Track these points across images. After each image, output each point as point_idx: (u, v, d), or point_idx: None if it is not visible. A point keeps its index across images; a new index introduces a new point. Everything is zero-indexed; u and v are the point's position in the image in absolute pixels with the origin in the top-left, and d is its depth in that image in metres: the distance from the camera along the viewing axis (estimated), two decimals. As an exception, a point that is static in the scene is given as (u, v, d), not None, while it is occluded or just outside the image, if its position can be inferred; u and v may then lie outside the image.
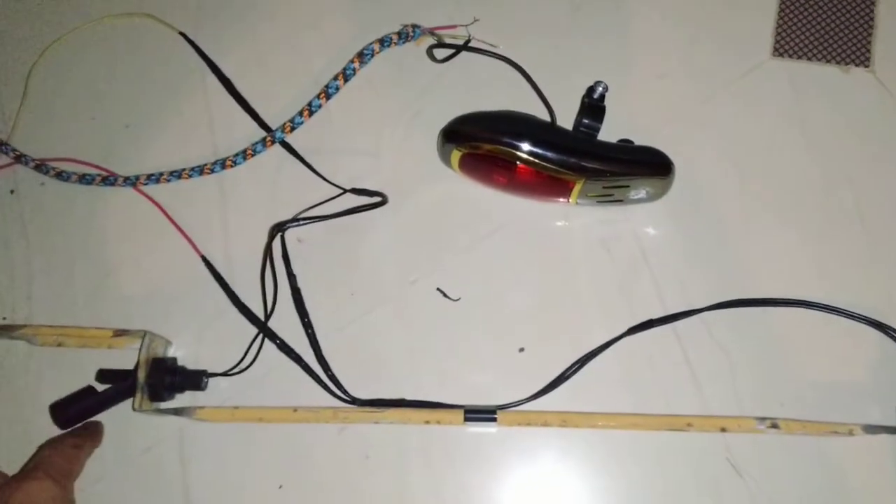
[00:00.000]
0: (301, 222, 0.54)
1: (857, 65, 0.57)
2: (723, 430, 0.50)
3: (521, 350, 0.54)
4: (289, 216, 0.56)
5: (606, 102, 0.53)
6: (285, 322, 0.55)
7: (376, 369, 0.54)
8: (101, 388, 0.52)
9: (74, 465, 0.48)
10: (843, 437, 0.49)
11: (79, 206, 0.59)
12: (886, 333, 0.50)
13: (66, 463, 0.48)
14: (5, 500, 0.44)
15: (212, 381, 0.54)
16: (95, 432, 0.51)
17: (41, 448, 0.49)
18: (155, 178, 0.58)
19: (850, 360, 0.52)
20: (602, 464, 0.52)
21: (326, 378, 0.53)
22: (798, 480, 0.50)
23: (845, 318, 0.52)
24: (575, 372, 0.52)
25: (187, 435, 0.54)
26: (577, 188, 0.52)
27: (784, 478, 0.50)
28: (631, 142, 0.54)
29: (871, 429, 0.48)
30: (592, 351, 0.53)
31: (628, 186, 0.53)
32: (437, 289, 0.55)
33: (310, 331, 0.54)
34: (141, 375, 0.51)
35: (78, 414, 0.51)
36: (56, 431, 0.51)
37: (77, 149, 0.59)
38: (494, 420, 0.50)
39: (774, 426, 0.48)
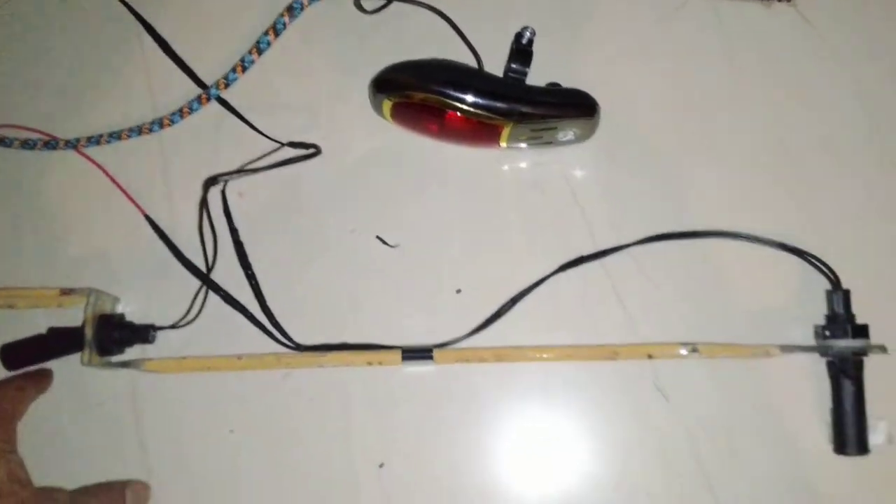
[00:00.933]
0: (233, 175, 0.55)
1: (779, 0, 0.58)
2: (650, 356, 0.52)
3: (459, 292, 0.56)
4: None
5: (536, 47, 0.54)
6: (230, 274, 0.56)
7: (320, 317, 0.56)
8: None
9: (18, 407, 0.50)
10: (764, 359, 0.51)
11: (22, 170, 0.59)
12: (805, 259, 0.52)
13: (9, 405, 0.49)
14: None
15: (162, 335, 0.56)
16: (41, 378, 0.53)
17: None
18: (95, 140, 0.59)
19: (773, 287, 0.54)
20: (536, 396, 0.54)
21: (271, 326, 0.55)
22: (722, 402, 0.53)
23: (768, 247, 0.53)
24: (508, 309, 0.54)
25: (140, 388, 0.56)
26: (505, 132, 0.54)
27: (709, 400, 0.53)
28: (558, 85, 0.55)
29: (787, 349, 0.50)
30: (525, 289, 0.54)
31: (555, 128, 0.54)
32: (377, 236, 0.57)
33: (253, 282, 0.56)
34: (88, 331, 0.52)
35: (26, 358, 0.53)
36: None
37: (17, 115, 0.60)
38: (431, 358, 0.52)
39: (695, 350, 0.50)
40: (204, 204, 0.55)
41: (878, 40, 0.57)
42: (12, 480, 0.46)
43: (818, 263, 0.51)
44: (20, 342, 0.53)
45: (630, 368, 0.53)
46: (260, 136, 0.58)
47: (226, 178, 0.55)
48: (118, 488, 0.50)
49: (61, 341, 0.53)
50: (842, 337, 0.49)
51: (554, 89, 0.55)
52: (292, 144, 0.57)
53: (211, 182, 0.55)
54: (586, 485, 0.53)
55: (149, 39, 0.61)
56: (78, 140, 0.59)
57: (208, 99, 0.58)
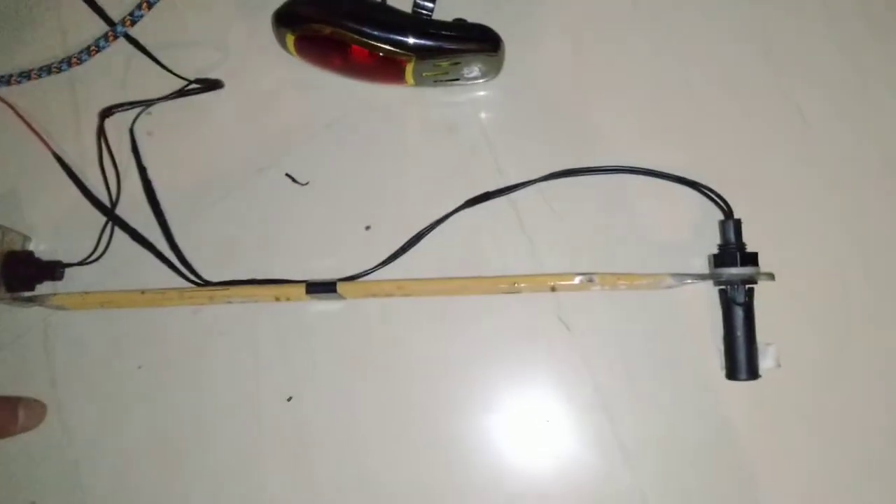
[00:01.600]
0: (126, 107, 0.55)
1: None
2: (552, 288, 0.52)
3: (368, 228, 0.56)
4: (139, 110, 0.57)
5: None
6: (139, 212, 0.57)
7: (230, 255, 0.56)
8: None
9: None
10: (662, 290, 0.52)
11: (-68, 110, 0.59)
12: (700, 191, 0.53)
13: None
14: None
15: (74, 272, 0.56)
16: None
17: None
18: (5, 79, 0.59)
19: (673, 220, 0.54)
20: (442, 330, 0.54)
21: (179, 263, 0.55)
22: (622, 333, 0.53)
23: (667, 181, 0.54)
24: (414, 244, 0.55)
25: (51, 324, 0.56)
26: (409, 68, 0.54)
27: (609, 331, 0.53)
28: (464, 20, 0.55)
29: (679, 277, 0.50)
30: (431, 224, 0.55)
31: (460, 63, 0.54)
32: (286, 174, 0.57)
33: (161, 219, 0.56)
34: (-6, 267, 0.53)
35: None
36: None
37: (-74, 55, 0.59)
38: (335, 291, 0.53)
39: (591, 280, 0.51)
40: (101, 134, 0.55)
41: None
42: None
43: (712, 195, 0.52)
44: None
45: (534, 301, 0.53)
46: (169, 73, 0.58)
47: (122, 109, 0.55)
48: (12, 402, 0.51)
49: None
50: (732, 265, 0.50)
51: (458, 24, 0.54)
52: (198, 81, 0.57)
53: (106, 113, 0.55)
54: (489, 415, 0.54)
55: (59, -22, 0.60)
56: (-12, 80, 0.58)
57: (115, 36, 0.57)
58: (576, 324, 0.54)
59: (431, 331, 0.55)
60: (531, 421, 0.53)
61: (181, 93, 0.56)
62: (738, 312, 0.50)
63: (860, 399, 0.51)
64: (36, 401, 0.53)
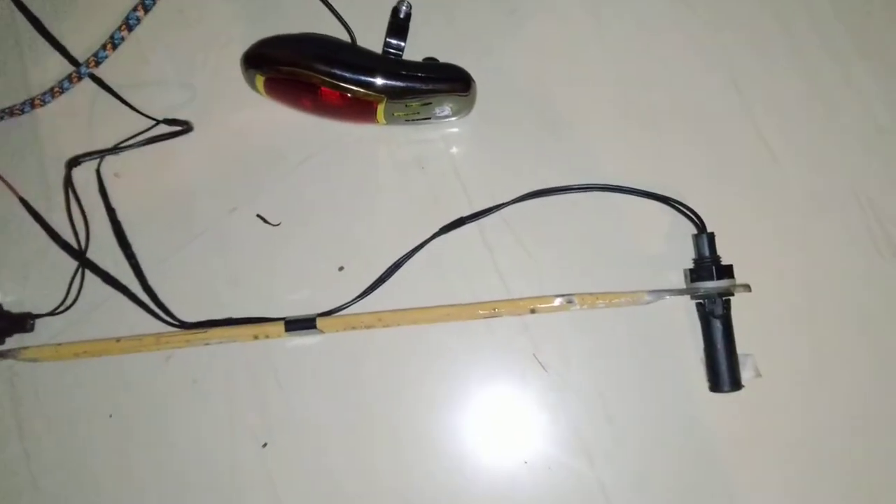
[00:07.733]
0: (94, 156, 0.55)
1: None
2: (532, 311, 0.52)
3: (341, 269, 0.56)
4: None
5: (416, 20, 0.54)
6: (110, 257, 0.56)
7: (203, 298, 0.55)
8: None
9: None
10: (639, 308, 0.52)
11: None
12: (672, 206, 0.53)
13: None
14: None
15: (45, 322, 0.55)
16: None
17: None
18: (-34, 125, 0.57)
19: (646, 235, 0.55)
20: (418, 362, 0.54)
21: (154, 306, 0.54)
22: (600, 353, 0.54)
23: (637, 197, 0.54)
24: (390, 275, 0.54)
25: (18, 373, 0.55)
26: (380, 108, 0.53)
27: (587, 359, 0.54)
28: (435, 59, 0.55)
29: (656, 293, 0.51)
30: (406, 254, 0.55)
31: (431, 104, 0.54)
32: (258, 215, 0.56)
33: (133, 261, 0.55)
34: (-37, 323, 0.51)
35: None
36: None
37: None
38: (314, 327, 0.52)
39: (570, 301, 0.51)
40: (68, 184, 0.54)
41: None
42: None
43: (683, 209, 0.53)
44: None
45: (506, 329, 0.54)
46: (136, 113, 0.57)
47: (90, 158, 0.54)
48: None
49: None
50: (708, 278, 0.50)
51: (428, 64, 0.54)
52: (167, 122, 0.56)
53: (73, 163, 0.54)
54: (472, 451, 0.54)
55: (21, 17, 0.59)
56: (-53, 126, 0.57)
57: (79, 77, 0.57)
58: (550, 357, 0.54)
59: (408, 364, 0.54)
60: (511, 461, 0.53)
61: (150, 139, 0.55)
62: (717, 325, 0.50)
63: (840, 404, 0.52)
64: None
